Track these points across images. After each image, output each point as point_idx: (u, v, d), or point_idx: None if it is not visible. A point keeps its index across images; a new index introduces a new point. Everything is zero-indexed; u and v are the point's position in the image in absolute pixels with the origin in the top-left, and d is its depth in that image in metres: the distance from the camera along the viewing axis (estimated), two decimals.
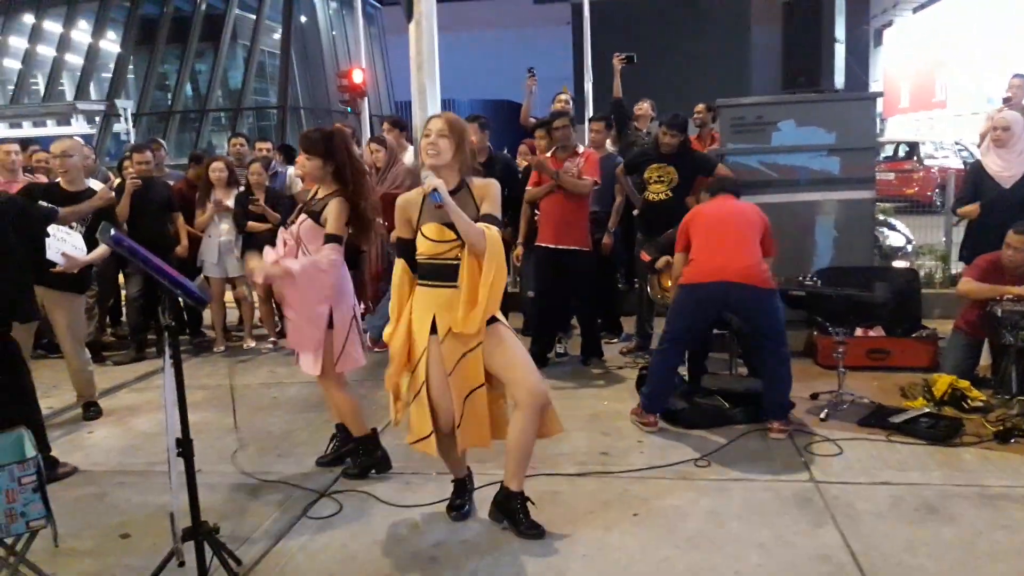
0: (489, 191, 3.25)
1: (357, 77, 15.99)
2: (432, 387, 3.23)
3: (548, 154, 5.72)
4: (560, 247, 5.53)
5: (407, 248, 3.27)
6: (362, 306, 6.89)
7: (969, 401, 4.54)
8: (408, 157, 6.85)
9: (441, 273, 3.18)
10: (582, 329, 5.90)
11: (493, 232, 3.11)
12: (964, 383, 4.63)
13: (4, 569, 2.98)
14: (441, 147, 3.17)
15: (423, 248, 3.17)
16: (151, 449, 4.51)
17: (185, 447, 2.92)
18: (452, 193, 3.10)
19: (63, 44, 26.49)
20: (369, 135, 13.80)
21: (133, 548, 3.40)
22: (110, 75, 26.09)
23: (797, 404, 4.59)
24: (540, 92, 7.58)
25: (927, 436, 4.17)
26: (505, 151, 8.41)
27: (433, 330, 3.20)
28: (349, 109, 17.72)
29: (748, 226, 4.46)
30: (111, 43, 26.82)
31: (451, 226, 3.09)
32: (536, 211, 5.80)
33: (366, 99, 16.57)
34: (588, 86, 15.27)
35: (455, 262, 3.13)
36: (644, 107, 7.23)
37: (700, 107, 7.83)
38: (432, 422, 3.26)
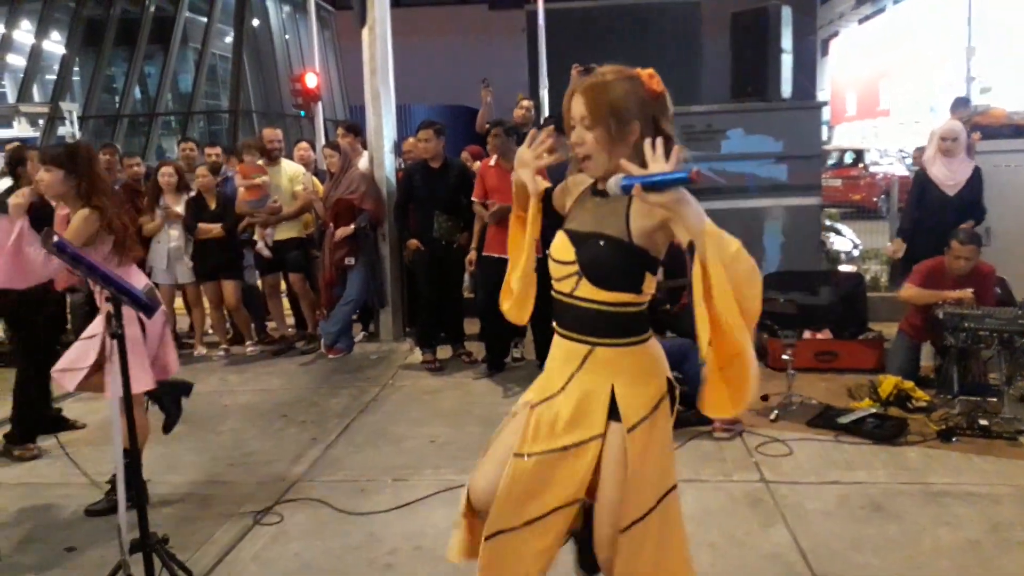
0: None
1: (311, 81, 15.83)
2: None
3: (492, 161, 5.72)
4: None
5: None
6: (317, 312, 6.85)
7: (913, 401, 4.67)
8: (363, 162, 6.81)
9: (565, 314, 2.10)
10: (535, 334, 5.93)
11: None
12: (909, 384, 4.75)
13: None
14: (589, 147, 2.01)
15: (550, 267, 2.13)
16: (98, 460, 4.40)
17: (133, 457, 2.86)
18: (604, 194, 1.98)
19: (5, 44, 25.76)
20: (324, 140, 13.68)
21: (79, 562, 3.31)
22: (54, 77, 25.44)
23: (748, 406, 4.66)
24: (495, 98, 7.59)
25: (873, 436, 4.27)
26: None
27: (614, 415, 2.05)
28: (303, 113, 17.53)
29: None
30: (55, 44, 26.15)
31: (576, 238, 2.06)
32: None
33: (320, 103, 16.42)
34: (543, 92, 15.34)
35: (581, 303, 2.04)
36: None
37: None
38: None
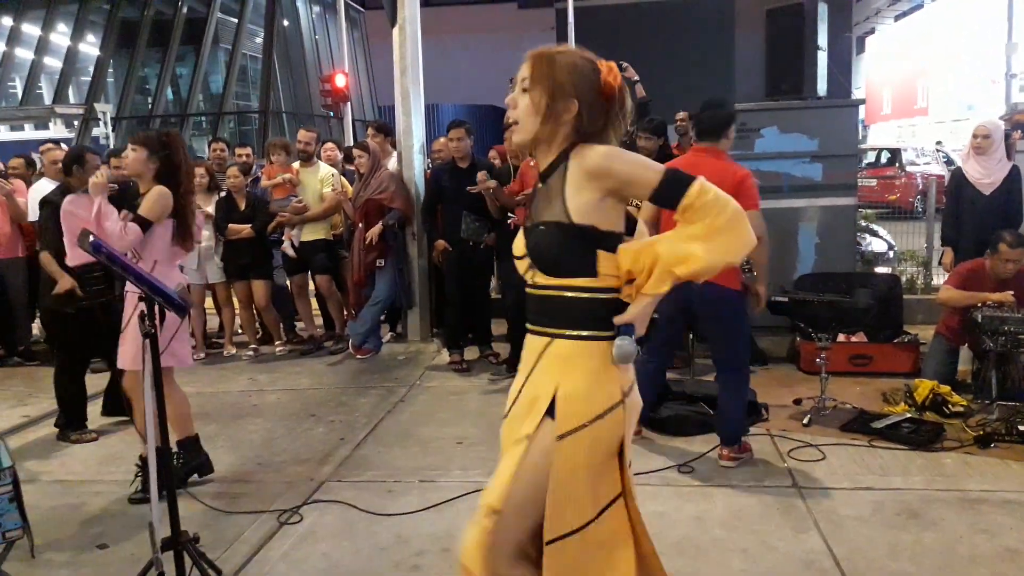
0: (602, 162, 1.87)
1: (340, 81, 15.96)
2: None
3: (532, 162, 5.69)
4: None
5: None
6: (345, 312, 6.87)
7: (950, 406, 4.58)
8: (392, 163, 6.82)
9: (530, 307, 2.02)
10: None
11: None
12: (945, 388, 4.66)
13: None
14: (520, 111, 1.95)
15: None
16: (130, 458, 4.44)
17: (164, 456, 2.89)
18: (543, 178, 1.99)
19: (41, 47, 26.25)
20: (352, 140, 13.76)
21: (111, 559, 3.35)
22: (89, 78, 25.88)
23: (780, 410, 4.59)
24: None
25: (909, 441, 4.19)
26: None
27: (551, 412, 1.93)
28: (332, 113, 17.66)
29: None
30: (90, 46, 26.59)
31: (526, 231, 2.00)
32: (510, 214, 5.77)
33: (349, 103, 16.53)
34: None
35: (539, 291, 1.98)
36: None
37: (682, 115, 7.83)
38: None
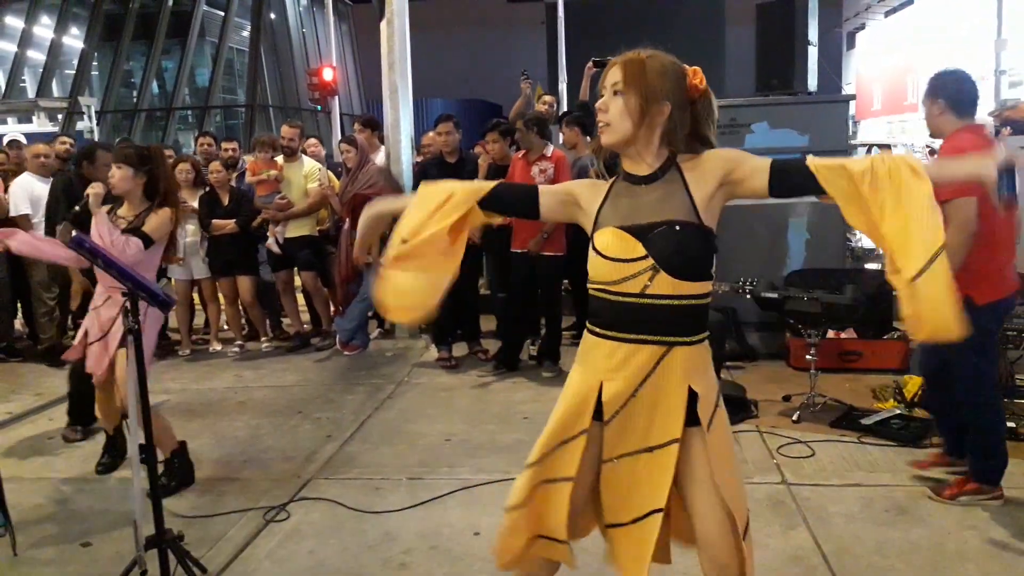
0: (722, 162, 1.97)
1: (328, 75, 15.91)
2: (577, 491, 2.07)
3: (521, 154, 5.67)
4: (539, 254, 5.51)
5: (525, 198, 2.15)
6: (332, 308, 6.83)
7: None
8: (380, 157, 6.78)
9: (630, 317, 1.94)
10: (547, 329, 5.88)
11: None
12: None
13: None
14: (612, 113, 1.94)
15: (595, 271, 1.98)
16: None
17: (148, 453, 2.85)
18: (648, 180, 1.97)
19: (25, 40, 25.98)
20: (340, 134, 13.68)
21: (95, 557, 3.31)
22: (73, 72, 25.64)
23: (770, 406, 4.58)
24: (513, 91, 7.53)
25: (898, 437, 4.20)
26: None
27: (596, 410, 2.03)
28: (319, 108, 17.59)
29: None
30: (74, 39, 26.33)
31: (640, 232, 1.92)
32: None
33: (337, 98, 16.46)
34: (562, 86, 15.30)
35: (649, 301, 1.92)
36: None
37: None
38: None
